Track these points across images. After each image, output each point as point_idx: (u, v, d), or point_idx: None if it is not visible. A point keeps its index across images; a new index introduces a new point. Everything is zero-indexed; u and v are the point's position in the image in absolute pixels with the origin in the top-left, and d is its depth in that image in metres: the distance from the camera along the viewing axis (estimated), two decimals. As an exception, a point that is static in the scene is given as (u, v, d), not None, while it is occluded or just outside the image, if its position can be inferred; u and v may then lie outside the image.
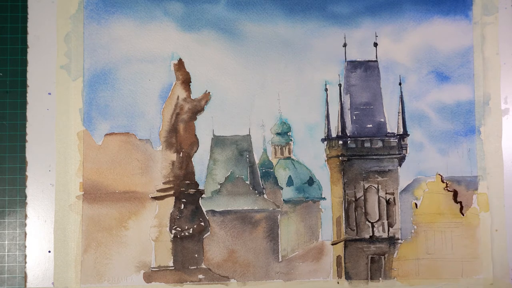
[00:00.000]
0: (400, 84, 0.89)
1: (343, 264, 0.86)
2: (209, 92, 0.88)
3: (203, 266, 0.86)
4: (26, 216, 0.84)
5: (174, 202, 0.86)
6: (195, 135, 0.87)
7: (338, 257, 0.87)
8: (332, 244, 0.87)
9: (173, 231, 0.86)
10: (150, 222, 0.85)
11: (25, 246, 0.84)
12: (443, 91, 0.89)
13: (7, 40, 0.87)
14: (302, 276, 0.86)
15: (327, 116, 0.88)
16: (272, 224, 0.87)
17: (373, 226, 0.88)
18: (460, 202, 0.87)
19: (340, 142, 0.88)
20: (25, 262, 0.84)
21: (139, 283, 0.84)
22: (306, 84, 0.88)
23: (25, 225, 0.84)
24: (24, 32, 0.86)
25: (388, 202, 0.88)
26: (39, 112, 0.85)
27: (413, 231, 0.87)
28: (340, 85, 0.89)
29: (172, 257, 0.85)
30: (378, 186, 0.88)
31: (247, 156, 0.88)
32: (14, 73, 0.87)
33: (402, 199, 0.88)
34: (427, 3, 0.89)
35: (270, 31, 0.88)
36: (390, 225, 0.88)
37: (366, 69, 0.89)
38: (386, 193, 0.88)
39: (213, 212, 0.87)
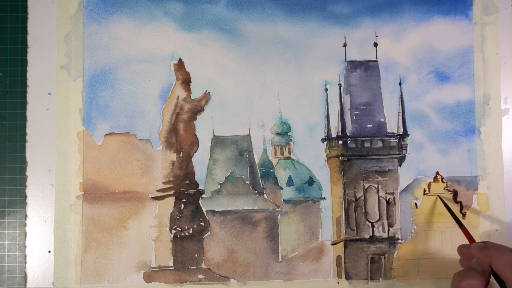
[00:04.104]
0: (400, 84, 0.89)
1: (343, 264, 0.86)
2: (209, 92, 0.88)
3: (203, 266, 0.86)
4: (26, 216, 0.84)
5: (174, 202, 0.86)
6: (195, 135, 0.87)
7: (338, 257, 0.87)
8: (332, 244, 0.87)
9: (173, 231, 0.86)
10: (150, 222, 0.86)
11: (25, 246, 0.84)
12: (443, 91, 0.89)
13: (7, 40, 0.87)
14: (302, 276, 0.86)
15: (327, 116, 0.88)
16: (272, 224, 0.87)
17: (373, 226, 0.88)
18: (460, 202, 0.87)
19: (340, 142, 0.88)
20: (25, 262, 0.84)
21: (139, 283, 0.84)
22: (306, 84, 0.88)
23: (25, 225, 0.84)
24: (24, 32, 0.87)
25: (388, 202, 0.88)
26: (39, 112, 0.85)
27: (413, 231, 0.87)
28: (340, 85, 0.89)
29: (172, 257, 0.85)
30: (378, 186, 0.88)
31: (247, 156, 0.88)
32: (14, 73, 0.87)
33: (402, 199, 0.88)
34: (427, 3, 0.89)
35: (270, 31, 0.88)
36: (390, 225, 0.88)
37: (366, 69, 0.89)
38: (386, 193, 0.88)
39: (213, 212, 0.87)
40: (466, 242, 0.78)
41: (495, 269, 0.68)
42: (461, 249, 0.77)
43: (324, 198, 0.88)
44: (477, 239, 0.86)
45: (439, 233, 0.86)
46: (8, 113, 0.86)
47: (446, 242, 0.86)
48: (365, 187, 0.88)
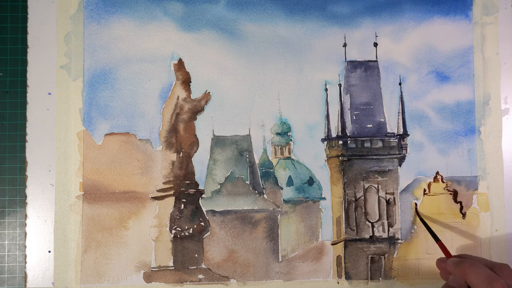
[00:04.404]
0: (400, 84, 0.89)
1: (343, 264, 0.86)
2: (209, 92, 0.88)
3: (203, 266, 0.86)
4: (26, 216, 0.84)
5: (174, 202, 0.86)
6: (195, 135, 0.87)
7: (338, 257, 0.87)
8: (332, 244, 0.87)
9: (173, 231, 0.86)
10: (150, 222, 0.85)
11: (25, 246, 0.84)
12: (443, 91, 0.89)
13: (7, 40, 0.87)
14: (302, 276, 0.86)
15: (327, 116, 0.88)
16: (272, 224, 0.87)
17: (373, 226, 0.88)
18: (460, 202, 0.87)
19: (340, 142, 0.88)
20: (25, 262, 0.84)
21: (139, 283, 0.84)
22: (306, 84, 0.88)
23: (25, 225, 0.84)
24: (24, 32, 0.87)
25: (388, 202, 0.88)
26: (39, 112, 0.85)
27: (413, 231, 0.87)
28: (340, 85, 0.89)
29: (172, 257, 0.85)
30: (378, 186, 0.88)
31: (247, 156, 0.88)
32: (14, 73, 0.87)
33: (402, 199, 0.88)
34: (427, 3, 0.89)
35: (270, 31, 0.88)
36: (390, 225, 0.88)
37: (366, 69, 0.89)
38: (386, 193, 0.88)
39: (213, 212, 0.87)
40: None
41: (470, 285, 0.67)
42: (439, 263, 0.78)
43: (324, 198, 0.88)
44: (477, 239, 0.86)
45: (439, 233, 0.86)
46: (8, 113, 0.86)
47: (446, 242, 0.86)
48: (365, 187, 0.88)
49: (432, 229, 0.82)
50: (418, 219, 0.86)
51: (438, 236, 0.82)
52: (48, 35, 0.86)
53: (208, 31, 0.88)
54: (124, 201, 0.85)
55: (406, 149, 0.88)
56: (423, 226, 0.84)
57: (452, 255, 0.77)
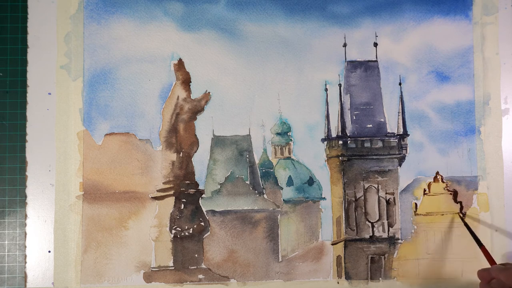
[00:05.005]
0: (400, 84, 0.89)
1: (343, 264, 0.86)
2: (209, 92, 0.88)
3: (203, 266, 0.86)
4: (26, 216, 0.84)
5: (174, 202, 0.86)
6: (195, 135, 0.87)
7: (338, 257, 0.87)
8: (332, 244, 0.87)
9: (173, 231, 0.86)
10: (150, 222, 0.86)
11: (25, 246, 0.84)
12: (443, 91, 0.89)
13: (7, 40, 0.87)
14: (302, 276, 0.86)
15: (327, 116, 0.88)
16: (272, 224, 0.87)
17: (373, 226, 0.88)
18: (460, 202, 0.87)
19: (340, 142, 0.88)
20: (25, 262, 0.84)
21: (139, 283, 0.84)
22: (306, 84, 0.88)
23: (25, 225, 0.84)
24: (24, 32, 0.86)
25: (388, 202, 0.88)
26: (39, 112, 0.85)
27: (413, 231, 0.87)
28: (340, 85, 0.89)
29: (172, 257, 0.85)
30: (378, 186, 0.88)
31: (247, 156, 0.88)
32: (14, 73, 0.87)
33: (402, 199, 0.88)
34: (427, 3, 0.89)
35: (270, 31, 0.88)
36: (390, 225, 0.88)
37: (366, 69, 0.89)
38: (386, 193, 0.88)
39: (213, 212, 0.87)
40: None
41: None
42: (481, 273, 0.77)
43: (324, 198, 0.88)
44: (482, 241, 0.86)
45: (439, 233, 0.87)
46: (8, 113, 0.86)
47: (446, 242, 0.86)
48: (365, 187, 0.88)
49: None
50: (460, 222, 0.86)
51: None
52: (48, 35, 0.86)
53: (208, 31, 0.88)
54: (124, 201, 0.85)
55: (406, 149, 0.88)
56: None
57: (496, 263, 0.77)
